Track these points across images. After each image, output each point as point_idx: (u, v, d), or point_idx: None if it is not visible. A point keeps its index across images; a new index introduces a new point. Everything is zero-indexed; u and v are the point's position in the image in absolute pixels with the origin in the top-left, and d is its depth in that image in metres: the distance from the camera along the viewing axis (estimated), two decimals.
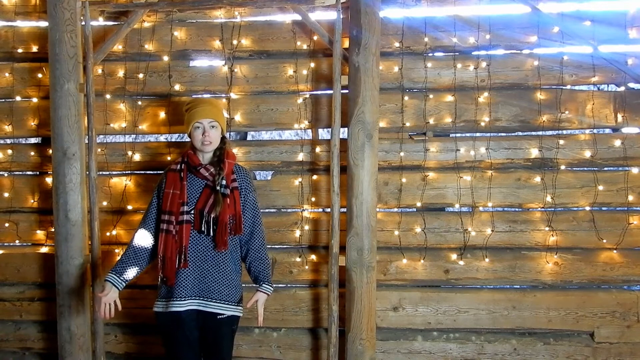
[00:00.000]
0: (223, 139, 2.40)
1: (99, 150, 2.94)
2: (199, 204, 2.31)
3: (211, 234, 2.29)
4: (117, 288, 2.26)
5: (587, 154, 2.85)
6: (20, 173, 3.11)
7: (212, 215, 2.27)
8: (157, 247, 2.30)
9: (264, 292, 2.35)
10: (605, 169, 2.89)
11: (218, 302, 2.31)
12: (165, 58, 2.95)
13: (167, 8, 2.82)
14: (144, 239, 2.37)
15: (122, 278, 2.29)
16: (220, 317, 2.31)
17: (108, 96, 2.97)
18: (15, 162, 3.05)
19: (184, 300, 2.28)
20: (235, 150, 2.96)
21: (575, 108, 2.86)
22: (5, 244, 3.13)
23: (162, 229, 2.30)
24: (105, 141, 3.03)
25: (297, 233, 2.95)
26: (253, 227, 2.41)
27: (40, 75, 3.00)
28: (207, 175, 2.33)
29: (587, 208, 2.88)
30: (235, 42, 2.91)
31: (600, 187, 2.85)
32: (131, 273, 2.32)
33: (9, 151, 3.05)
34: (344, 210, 2.79)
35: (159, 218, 2.35)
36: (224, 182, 2.32)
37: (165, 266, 2.28)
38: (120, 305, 2.26)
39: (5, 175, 3.08)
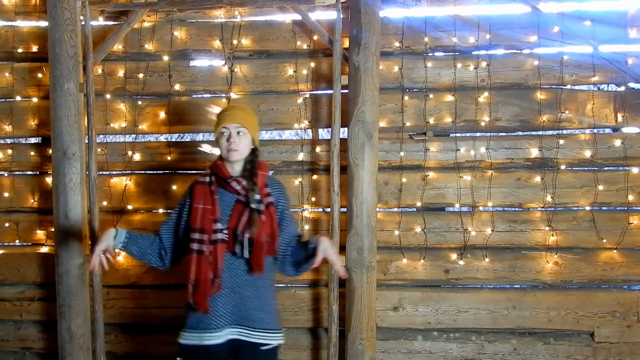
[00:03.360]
0: (255, 150, 2.12)
1: (99, 150, 2.94)
2: (231, 222, 2.03)
3: (246, 255, 2.01)
4: (117, 235, 2.03)
5: (587, 153, 2.85)
6: (20, 173, 3.11)
7: (246, 235, 2.00)
8: (187, 270, 2.01)
9: (324, 238, 1.96)
10: (606, 168, 2.89)
11: (262, 331, 2.05)
12: (165, 58, 2.95)
13: (167, 8, 2.82)
14: (157, 241, 2.16)
15: (128, 232, 2.08)
16: (265, 347, 2.05)
17: (108, 96, 2.96)
18: (15, 162, 3.05)
19: (221, 330, 2.02)
20: None
21: (575, 108, 2.86)
22: (5, 244, 3.13)
23: (192, 249, 2.02)
24: (105, 141, 3.03)
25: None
26: (288, 247, 2.11)
27: (40, 75, 3.00)
28: (238, 189, 2.05)
29: (587, 208, 2.88)
30: (235, 41, 2.91)
31: (600, 187, 2.85)
32: (140, 243, 2.10)
33: (9, 151, 3.05)
34: (344, 210, 2.79)
35: (185, 237, 2.09)
36: (257, 196, 2.04)
37: (197, 291, 1.99)
38: (111, 258, 2.01)
39: (5, 175, 3.08)
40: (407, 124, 2.90)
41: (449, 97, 2.88)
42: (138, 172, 3.01)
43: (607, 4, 2.88)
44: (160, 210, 2.99)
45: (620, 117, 2.84)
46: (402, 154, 2.89)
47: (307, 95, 2.94)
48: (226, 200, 2.08)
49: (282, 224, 2.10)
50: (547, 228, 2.87)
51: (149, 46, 2.94)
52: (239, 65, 2.94)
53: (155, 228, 2.94)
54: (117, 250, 2.07)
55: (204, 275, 1.99)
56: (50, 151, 2.87)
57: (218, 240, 2.01)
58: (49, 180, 2.99)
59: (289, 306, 2.97)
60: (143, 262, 2.17)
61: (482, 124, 2.88)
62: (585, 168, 2.89)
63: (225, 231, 2.02)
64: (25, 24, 3.02)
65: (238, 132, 2.06)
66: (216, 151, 2.97)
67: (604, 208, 2.94)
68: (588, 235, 2.87)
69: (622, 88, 2.86)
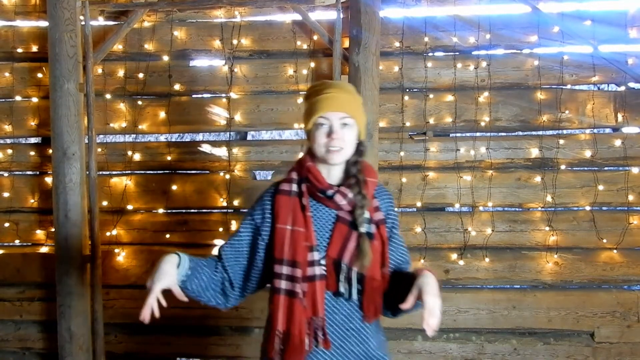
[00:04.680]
0: (359, 146, 1.57)
1: (99, 150, 2.94)
2: (331, 249, 1.50)
3: (354, 297, 1.50)
4: (181, 266, 1.50)
5: (587, 153, 2.84)
6: (20, 173, 3.11)
7: (354, 269, 1.49)
8: (271, 318, 1.52)
9: (428, 273, 1.44)
10: (606, 168, 2.89)
11: None
12: (165, 58, 2.95)
13: (167, 8, 2.82)
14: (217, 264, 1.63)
15: (190, 259, 1.53)
16: None
17: (108, 96, 2.96)
18: (15, 162, 3.05)
19: None
20: (235, 150, 2.97)
21: (575, 108, 2.86)
22: (5, 244, 3.13)
23: (278, 288, 1.50)
24: (105, 141, 3.03)
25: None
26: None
27: (40, 75, 3.00)
28: (343, 204, 1.51)
29: (587, 208, 2.88)
30: (235, 41, 2.91)
31: (601, 187, 2.84)
32: (202, 274, 1.55)
33: (9, 151, 3.05)
34: None
35: (264, 267, 1.58)
36: (367, 214, 1.52)
37: (288, 349, 1.47)
38: (163, 301, 1.46)
39: (5, 175, 3.08)
40: (407, 124, 2.90)
41: (449, 97, 2.88)
42: (138, 172, 3.01)
43: (607, 4, 2.88)
44: (160, 211, 2.99)
45: (620, 117, 2.84)
46: (402, 154, 2.89)
47: None
48: (322, 217, 1.55)
49: (390, 246, 1.60)
50: (547, 228, 2.87)
51: (149, 46, 2.94)
52: (239, 65, 2.94)
53: (156, 228, 3.00)
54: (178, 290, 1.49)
55: (297, 325, 1.46)
56: (50, 151, 2.87)
57: (316, 276, 1.48)
58: (49, 180, 2.99)
59: None
60: (198, 301, 1.58)
61: (482, 124, 2.88)
62: (585, 168, 2.89)
63: (323, 261, 1.50)
64: (25, 24, 3.02)
65: (344, 124, 1.51)
66: (218, 151, 2.98)
67: (604, 208, 2.94)
68: (588, 235, 2.87)
69: (622, 88, 2.86)
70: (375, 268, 1.51)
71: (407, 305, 1.40)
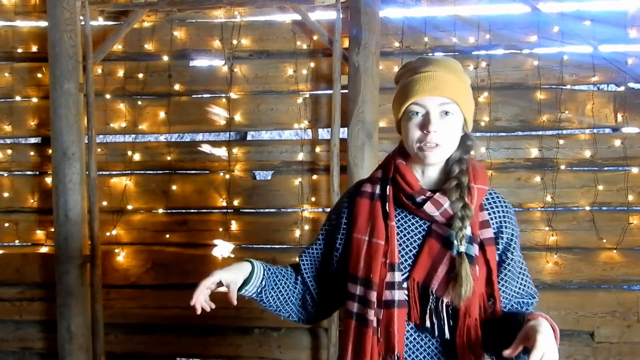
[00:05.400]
0: (465, 140, 1.25)
1: (99, 150, 2.94)
2: (417, 271, 1.21)
3: (446, 334, 1.20)
4: (252, 276, 1.29)
5: (587, 153, 2.84)
6: (20, 173, 3.11)
7: (445, 300, 1.19)
8: (342, 345, 1.28)
9: (543, 320, 1.19)
10: (605, 168, 2.89)
11: None
12: (165, 58, 2.95)
13: (167, 8, 2.82)
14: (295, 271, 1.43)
15: (265, 267, 1.34)
16: None
17: (108, 96, 2.96)
18: (15, 162, 3.05)
19: None
20: (235, 150, 2.96)
21: (575, 108, 2.86)
22: (5, 244, 3.13)
23: (351, 312, 1.25)
24: (105, 141, 3.03)
25: (297, 233, 2.94)
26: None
27: (40, 75, 3.00)
28: (436, 215, 1.21)
29: (587, 208, 2.87)
30: (235, 41, 2.91)
31: (600, 187, 2.84)
32: (280, 285, 1.35)
33: (9, 151, 3.05)
34: None
35: (340, 277, 1.31)
36: (468, 230, 1.19)
37: None
38: (231, 296, 1.28)
39: (5, 175, 3.08)
40: None
41: None
42: (138, 172, 3.01)
43: (607, 4, 2.88)
44: (160, 210, 2.99)
45: (620, 117, 2.84)
46: None
47: (307, 95, 2.93)
48: (410, 229, 1.25)
49: (506, 275, 1.25)
50: (547, 228, 2.87)
51: (148, 46, 2.94)
52: (238, 65, 2.94)
53: (155, 228, 3.00)
54: (235, 291, 1.29)
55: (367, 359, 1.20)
56: (50, 151, 2.87)
57: (395, 302, 1.19)
58: (48, 180, 2.99)
59: None
60: (278, 315, 1.42)
61: (482, 124, 2.87)
62: (585, 168, 2.89)
63: (406, 285, 1.21)
64: (24, 24, 3.02)
65: (444, 113, 1.19)
66: (218, 151, 2.98)
67: (604, 208, 2.94)
68: (588, 235, 2.86)
69: (622, 88, 2.86)
70: (474, 302, 1.17)
71: (509, 351, 1.09)
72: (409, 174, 1.23)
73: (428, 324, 1.19)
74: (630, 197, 2.84)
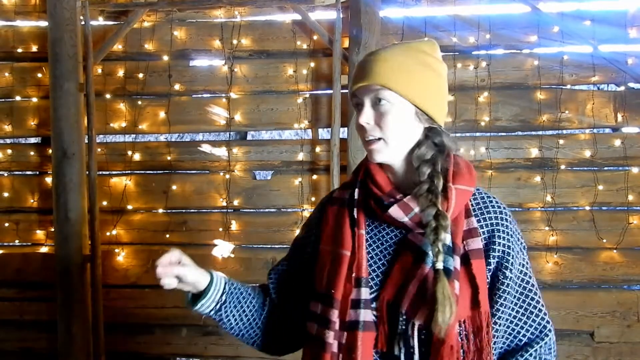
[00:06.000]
0: (432, 135, 1.07)
1: (99, 150, 2.94)
2: (387, 288, 1.04)
3: None
4: (210, 287, 1.12)
5: (587, 153, 2.84)
6: (20, 173, 3.11)
7: (417, 323, 1.00)
8: None
9: None
10: (605, 168, 2.89)
11: None
12: (165, 58, 2.95)
13: (167, 8, 2.82)
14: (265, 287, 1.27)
15: (228, 282, 1.17)
16: None
17: (108, 96, 2.96)
18: (15, 162, 3.05)
19: None
20: (235, 150, 2.96)
21: (575, 108, 2.85)
22: (5, 244, 3.13)
23: (309, 335, 1.08)
24: (105, 141, 3.03)
25: (297, 233, 2.94)
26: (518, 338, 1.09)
27: (40, 75, 3.00)
28: (405, 220, 1.04)
29: (587, 208, 2.87)
30: (235, 41, 2.91)
31: (600, 187, 2.84)
32: (244, 303, 1.17)
33: (9, 151, 3.05)
34: None
35: (307, 293, 1.12)
36: (448, 239, 1.01)
37: None
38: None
39: (5, 175, 3.08)
40: None
41: (449, 97, 2.87)
42: (138, 172, 3.01)
43: (607, 4, 2.88)
44: (160, 210, 2.99)
45: (620, 117, 2.84)
46: None
47: (307, 95, 2.93)
48: (383, 239, 1.08)
49: (496, 298, 1.06)
50: (547, 228, 2.87)
51: (149, 46, 2.94)
52: (238, 65, 2.94)
53: (155, 228, 3.00)
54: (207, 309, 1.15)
55: None
56: (50, 151, 2.87)
57: (360, 324, 1.01)
58: (49, 180, 2.99)
59: None
60: (240, 340, 1.22)
61: (482, 123, 2.87)
62: (585, 168, 2.89)
63: (375, 305, 1.04)
64: (25, 24, 3.02)
65: (378, 101, 1.03)
66: (218, 151, 2.98)
67: (604, 208, 2.94)
68: (588, 235, 2.86)
69: (622, 88, 2.86)
70: (453, 327, 0.96)
71: None
72: (378, 174, 1.06)
73: (396, 351, 0.99)
74: (630, 197, 2.84)
